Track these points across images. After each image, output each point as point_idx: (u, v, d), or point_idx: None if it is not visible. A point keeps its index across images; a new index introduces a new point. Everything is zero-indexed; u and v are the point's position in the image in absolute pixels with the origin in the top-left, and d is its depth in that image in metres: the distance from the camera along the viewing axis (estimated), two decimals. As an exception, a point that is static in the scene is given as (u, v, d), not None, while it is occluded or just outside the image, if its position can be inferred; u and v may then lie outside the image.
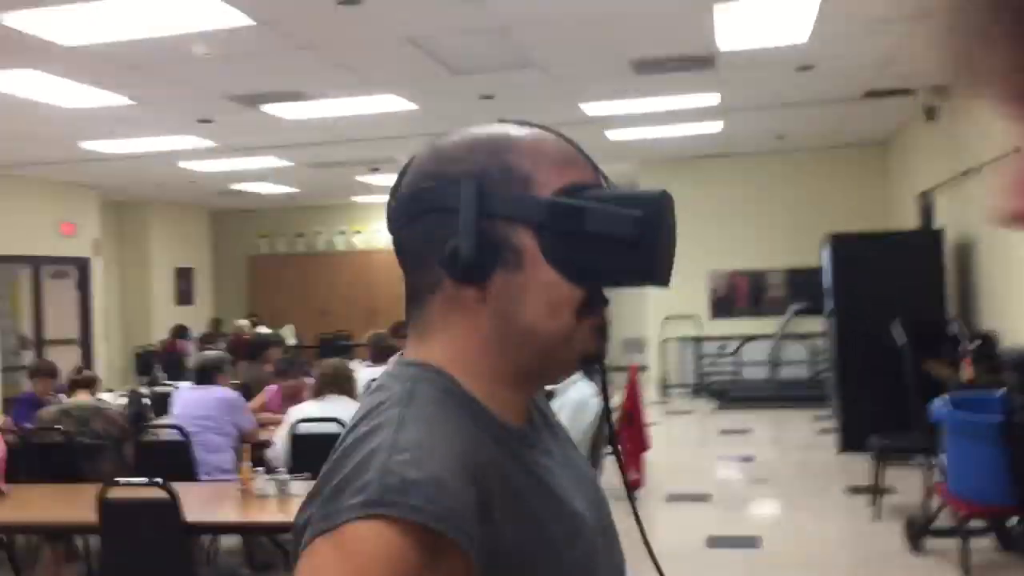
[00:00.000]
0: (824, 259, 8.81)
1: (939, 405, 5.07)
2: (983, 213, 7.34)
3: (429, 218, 0.90)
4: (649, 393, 11.66)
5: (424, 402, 0.86)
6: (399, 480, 0.77)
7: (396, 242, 0.94)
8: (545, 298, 0.88)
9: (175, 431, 5.17)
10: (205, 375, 5.50)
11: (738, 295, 12.22)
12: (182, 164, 10.67)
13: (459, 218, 0.88)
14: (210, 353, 5.99)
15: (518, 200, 0.88)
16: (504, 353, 0.90)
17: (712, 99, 8.34)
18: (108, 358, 13.38)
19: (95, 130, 8.48)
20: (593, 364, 0.93)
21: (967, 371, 6.34)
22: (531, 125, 0.95)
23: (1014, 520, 5.11)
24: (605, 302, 0.92)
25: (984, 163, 6.97)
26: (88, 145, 9.22)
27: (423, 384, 0.89)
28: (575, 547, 0.89)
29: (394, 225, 0.94)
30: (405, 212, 0.93)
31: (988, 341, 6.80)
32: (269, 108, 7.71)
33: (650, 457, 7.17)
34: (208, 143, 9.32)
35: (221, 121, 8.21)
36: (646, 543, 1.04)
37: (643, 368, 11.96)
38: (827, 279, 8.57)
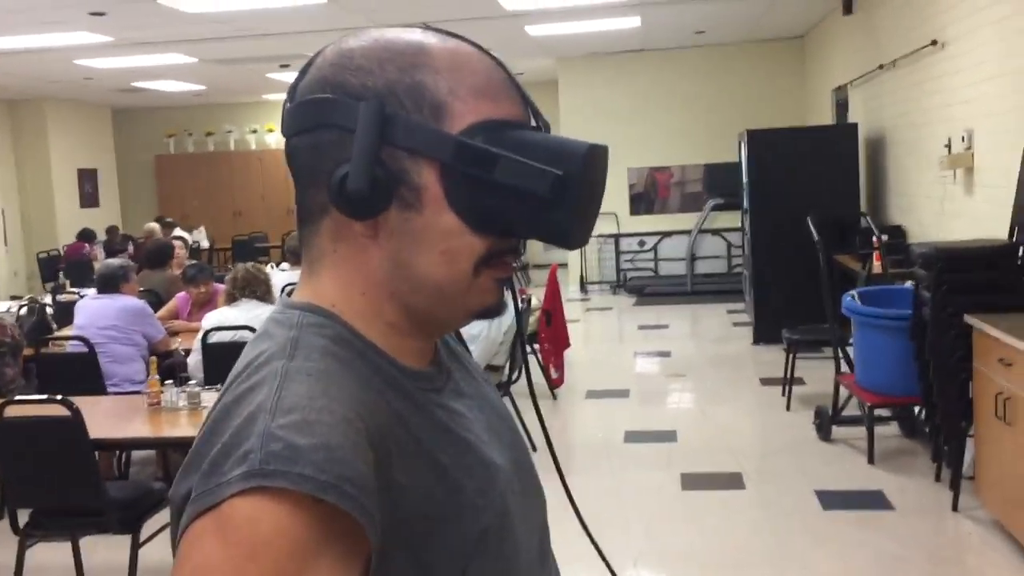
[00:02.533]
0: (741, 154, 8.85)
1: (849, 300, 5.18)
2: (895, 108, 7.41)
3: (322, 133, 0.78)
4: (569, 290, 11.74)
5: (311, 352, 0.76)
6: (284, 447, 0.67)
7: (287, 149, 0.82)
8: (443, 245, 0.78)
9: (79, 343, 4.99)
10: (108, 284, 5.29)
11: (657, 191, 12.26)
12: (78, 61, 10.09)
13: (354, 142, 0.75)
14: (113, 261, 5.76)
15: (425, 132, 0.76)
16: (395, 298, 0.81)
17: (631, -9, 8.16)
18: (11, 263, 12.88)
19: (-22, 23, 7.92)
20: (491, 317, 0.84)
21: (876, 265, 6.49)
22: (459, 38, 0.82)
23: (917, 409, 5.31)
24: (513, 252, 0.82)
25: (897, 58, 7.00)
26: (-28, 40, 8.63)
27: (310, 331, 0.79)
28: (487, 500, 0.82)
29: (286, 130, 0.82)
30: (298, 121, 0.80)
31: (896, 235, 6.96)
32: (166, 0, 7.27)
33: (570, 354, 7.24)
34: (104, 38, 8.79)
35: (115, 13, 7.73)
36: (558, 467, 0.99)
37: (562, 265, 12.01)
38: (744, 174, 8.63)
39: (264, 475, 0.66)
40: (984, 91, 5.37)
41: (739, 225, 9.83)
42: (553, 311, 6.73)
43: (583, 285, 12.19)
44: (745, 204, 8.69)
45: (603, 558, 1.01)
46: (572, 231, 0.78)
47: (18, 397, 3.66)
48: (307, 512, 0.66)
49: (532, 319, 6.59)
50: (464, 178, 0.76)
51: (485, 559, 0.79)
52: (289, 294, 0.87)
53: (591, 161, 0.78)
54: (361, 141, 0.75)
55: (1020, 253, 4.29)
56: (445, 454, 0.80)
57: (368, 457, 0.71)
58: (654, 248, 12.10)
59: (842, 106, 9.52)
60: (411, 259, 0.79)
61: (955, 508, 4.32)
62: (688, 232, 11.84)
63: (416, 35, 0.81)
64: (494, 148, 0.76)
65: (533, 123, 0.83)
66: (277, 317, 0.82)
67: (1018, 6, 4.81)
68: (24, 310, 5.98)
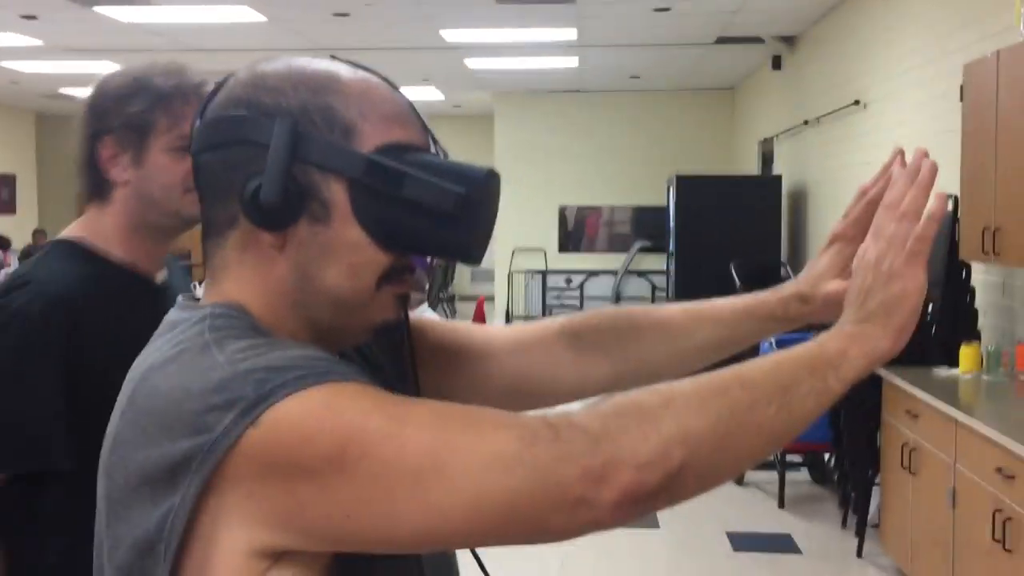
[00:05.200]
0: (668, 199, 9.04)
1: (766, 347, 5.30)
2: (818, 163, 7.67)
3: (235, 149, 0.82)
4: (495, 324, 11.76)
5: (229, 331, 0.79)
6: (265, 370, 0.72)
7: (195, 165, 0.85)
8: (348, 259, 0.82)
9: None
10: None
11: (585, 230, 12.42)
12: (4, 64, 9.83)
13: (267, 156, 0.79)
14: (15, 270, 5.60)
15: (336, 150, 0.81)
16: (297, 307, 0.84)
17: (570, 34, 8.32)
18: (-83, 268, 12.38)
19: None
20: (391, 333, 0.89)
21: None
22: (365, 69, 0.87)
23: (827, 456, 5.45)
24: (410, 270, 0.87)
25: (822, 115, 7.26)
26: None
27: (222, 320, 0.81)
28: None
29: (195, 148, 0.85)
30: (209, 138, 0.84)
31: (815, 286, 7.16)
32: (103, 9, 7.15)
33: (492, 388, 7.25)
34: (34, 42, 8.60)
35: (48, 19, 7.57)
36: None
37: (489, 299, 12.06)
38: (670, 218, 8.80)
39: (264, 399, 0.71)
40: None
41: (664, 268, 10.02)
42: (478, 343, 6.74)
43: (509, 318, 12.24)
44: (670, 247, 8.86)
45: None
46: (472, 246, 0.84)
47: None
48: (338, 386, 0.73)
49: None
50: (372, 194, 0.81)
51: None
52: None
53: (490, 183, 0.84)
54: (275, 155, 0.79)
55: (929, 309, 4.46)
56: None
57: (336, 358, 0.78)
58: (581, 286, 12.22)
59: (767, 157, 9.80)
60: (317, 271, 0.82)
61: (860, 554, 4.43)
62: (614, 272, 12.00)
63: (327, 63, 0.86)
64: (402, 167, 0.81)
65: (433, 151, 0.88)
66: (182, 313, 0.84)
67: (938, 70, 5.04)
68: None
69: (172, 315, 0.85)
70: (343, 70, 0.85)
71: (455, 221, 0.81)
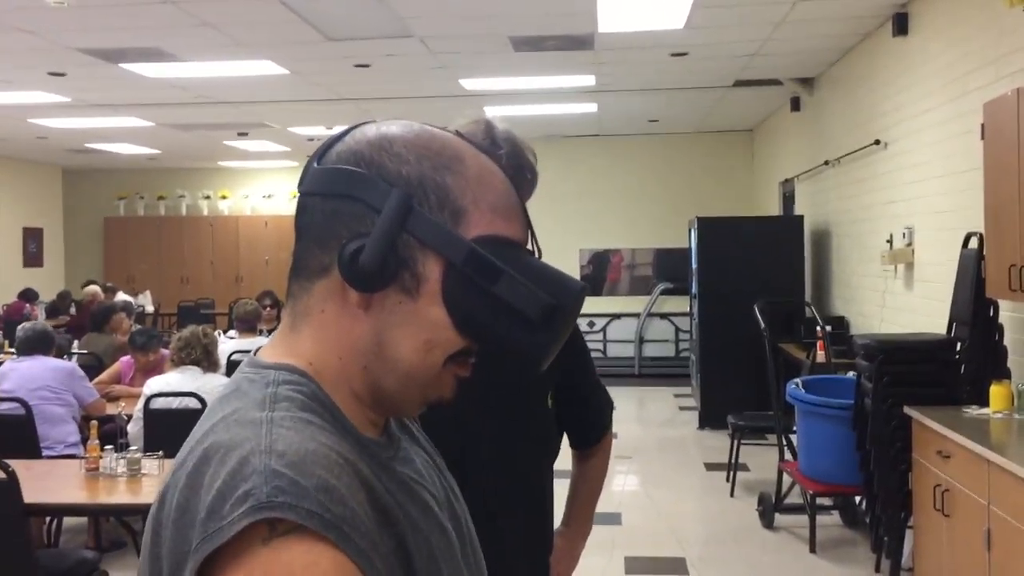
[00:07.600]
0: (690, 241, 9.03)
1: (793, 388, 5.26)
2: (839, 203, 7.65)
3: (345, 203, 0.84)
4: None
5: (291, 406, 0.80)
6: (289, 483, 0.71)
7: (301, 203, 0.87)
8: (426, 334, 0.84)
9: (14, 404, 4.83)
10: (37, 345, 5.17)
11: (607, 273, 12.42)
12: (33, 120, 10.03)
13: (376, 221, 0.82)
14: (39, 323, 5.71)
15: (442, 232, 0.83)
16: (367, 371, 0.86)
17: (587, 80, 8.39)
18: (-54, 322, 12.53)
19: (-67, 77, 7.86)
20: (440, 406, 0.90)
21: (820, 354, 6.61)
22: (490, 154, 0.90)
23: (858, 498, 5.37)
24: (475, 354, 0.88)
25: (842, 155, 7.26)
26: (-75, 93, 8.54)
27: (286, 388, 0.82)
28: (447, 559, 0.86)
29: (306, 187, 0.87)
30: (323, 184, 0.85)
31: (839, 326, 7.11)
32: (129, 66, 7.30)
33: (516, 434, 7.20)
34: (61, 98, 8.77)
35: (75, 75, 7.73)
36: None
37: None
38: (693, 260, 8.79)
39: (272, 507, 0.69)
40: (925, 190, 5.58)
41: (687, 310, 9.98)
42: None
43: (531, 364, 12.21)
44: (693, 289, 8.83)
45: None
46: (544, 355, 0.85)
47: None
48: (335, 558, 0.70)
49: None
50: (465, 281, 0.83)
51: None
52: (237, 362, 0.89)
53: (581, 298, 0.85)
54: (384, 224, 0.81)
55: (957, 348, 4.41)
56: (415, 509, 0.84)
57: (360, 498, 0.75)
58: (603, 330, 12.19)
59: (789, 198, 9.79)
60: (394, 339, 0.84)
61: (894, 599, 4.34)
62: (637, 315, 11.97)
63: (454, 141, 0.89)
64: (500, 263, 0.82)
65: (530, 246, 0.90)
66: (250, 376, 0.85)
67: (957, 110, 5.04)
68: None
69: (241, 382, 0.86)
70: (467, 153, 0.88)
71: (536, 328, 0.82)
